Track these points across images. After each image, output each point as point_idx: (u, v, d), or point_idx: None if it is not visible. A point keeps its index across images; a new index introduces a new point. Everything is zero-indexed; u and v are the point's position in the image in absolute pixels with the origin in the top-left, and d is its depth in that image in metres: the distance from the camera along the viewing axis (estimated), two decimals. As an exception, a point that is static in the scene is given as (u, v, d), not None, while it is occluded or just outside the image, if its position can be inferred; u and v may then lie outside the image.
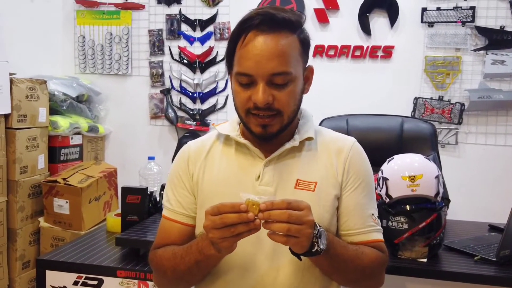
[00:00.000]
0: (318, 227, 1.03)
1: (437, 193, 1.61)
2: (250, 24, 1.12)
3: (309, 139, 1.22)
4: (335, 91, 3.21)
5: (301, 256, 1.06)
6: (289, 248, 1.06)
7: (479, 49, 3.03)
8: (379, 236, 1.23)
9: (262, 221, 0.99)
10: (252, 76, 1.11)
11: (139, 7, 3.49)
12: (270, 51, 1.10)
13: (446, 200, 1.76)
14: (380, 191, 1.67)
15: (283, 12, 1.14)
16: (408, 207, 1.59)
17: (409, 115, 3.12)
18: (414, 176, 1.60)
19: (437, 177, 1.63)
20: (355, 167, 1.22)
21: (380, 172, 1.71)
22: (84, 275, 1.70)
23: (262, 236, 1.15)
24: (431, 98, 3.12)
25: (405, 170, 1.63)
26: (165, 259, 1.19)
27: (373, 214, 1.24)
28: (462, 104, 3.08)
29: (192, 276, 1.17)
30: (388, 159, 1.74)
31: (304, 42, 1.18)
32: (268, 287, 1.17)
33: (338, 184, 1.21)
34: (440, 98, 3.11)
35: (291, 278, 1.17)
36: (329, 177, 1.20)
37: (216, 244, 1.03)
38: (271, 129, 1.15)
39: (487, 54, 3.01)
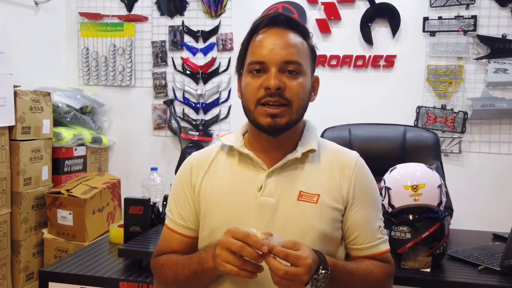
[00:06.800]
0: (320, 271, 1.03)
1: (440, 202, 1.61)
2: (263, 21, 1.18)
3: (312, 151, 1.22)
4: (337, 100, 3.22)
5: None
6: None
7: (481, 58, 3.03)
8: (386, 247, 1.26)
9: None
10: (264, 64, 1.14)
11: (142, 19, 3.52)
12: (283, 41, 1.15)
13: (449, 209, 1.75)
14: (383, 200, 1.67)
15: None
16: (411, 217, 1.59)
17: (412, 124, 3.12)
18: (417, 186, 1.60)
19: (439, 186, 1.62)
20: (361, 184, 1.23)
21: (382, 182, 1.71)
22: (87, 287, 1.69)
23: None
24: (434, 107, 3.12)
25: (408, 179, 1.63)
26: (167, 266, 1.20)
27: (380, 226, 1.25)
28: (465, 113, 3.07)
29: (191, 286, 1.18)
30: (390, 169, 1.74)
31: (313, 51, 1.23)
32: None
33: (342, 199, 1.21)
34: (443, 107, 3.11)
35: None
36: (332, 191, 1.20)
37: (217, 263, 1.04)
38: (280, 121, 1.15)
39: (489, 62, 3.02)
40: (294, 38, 1.17)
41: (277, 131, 1.16)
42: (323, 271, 1.03)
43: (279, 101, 1.14)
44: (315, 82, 1.25)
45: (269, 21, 1.17)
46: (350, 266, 1.17)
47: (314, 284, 1.03)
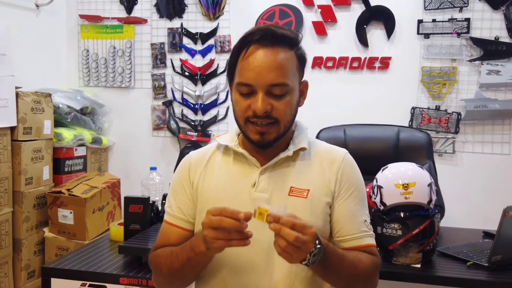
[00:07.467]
0: (318, 246, 1.08)
1: (430, 201, 1.66)
2: (251, 39, 1.20)
3: (303, 149, 1.28)
4: (333, 101, 3.27)
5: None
6: None
7: (475, 60, 3.09)
8: (372, 241, 1.29)
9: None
10: (252, 86, 1.19)
11: (141, 21, 3.57)
12: (269, 63, 1.18)
13: (439, 207, 1.80)
14: (375, 198, 1.72)
15: (282, 29, 1.23)
16: (402, 214, 1.65)
17: (407, 125, 3.17)
18: (407, 184, 1.65)
19: (429, 185, 1.68)
20: (347, 177, 1.28)
21: (374, 180, 1.76)
22: (88, 282, 1.74)
23: (257, 236, 1.20)
24: (428, 108, 3.18)
25: (399, 178, 1.68)
26: (162, 257, 1.25)
27: (365, 220, 1.29)
28: (459, 114, 3.13)
29: (184, 274, 1.22)
30: (382, 168, 1.79)
31: (301, 58, 1.26)
32: (264, 286, 1.22)
33: (330, 193, 1.27)
34: (437, 108, 3.16)
35: (286, 277, 1.22)
36: (321, 185, 1.26)
37: (208, 243, 1.09)
38: (268, 137, 1.21)
39: (482, 64, 3.07)
40: (282, 55, 1.19)
41: (266, 146, 1.23)
42: (318, 246, 1.07)
43: (267, 121, 1.20)
44: (304, 87, 1.29)
45: (258, 39, 1.19)
46: (340, 250, 1.21)
47: (311, 259, 1.06)
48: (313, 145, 1.33)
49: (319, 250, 1.07)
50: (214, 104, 3.52)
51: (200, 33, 3.49)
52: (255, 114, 1.19)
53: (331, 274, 1.19)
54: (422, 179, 1.68)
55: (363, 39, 3.23)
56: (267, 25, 1.23)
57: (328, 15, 3.27)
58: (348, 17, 3.26)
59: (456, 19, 3.10)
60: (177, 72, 3.55)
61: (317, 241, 1.08)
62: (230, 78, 1.27)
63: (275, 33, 1.20)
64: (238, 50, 1.22)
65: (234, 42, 3.44)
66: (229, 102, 3.47)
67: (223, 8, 3.45)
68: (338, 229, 1.27)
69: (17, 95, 2.79)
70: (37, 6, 3.33)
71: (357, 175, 1.32)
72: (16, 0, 3.16)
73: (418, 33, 3.17)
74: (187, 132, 3.52)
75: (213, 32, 3.48)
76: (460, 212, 2.86)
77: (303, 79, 1.29)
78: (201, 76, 3.50)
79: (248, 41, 1.20)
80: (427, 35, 3.15)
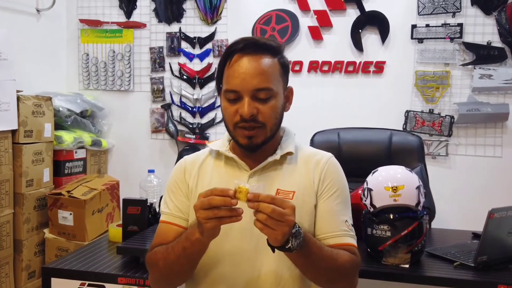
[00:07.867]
0: (297, 228, 1.12)
1: (418, 203, 1.71)
2: (235, 48, 1.27)
3: (290, 153, 1.35)
4: (329, 105, 3.32)
5: (275, 249, 1.15)
6: (267, 239, 1.14)
7: (467, 64, 3.14)
8: (352, 241, 1.32)
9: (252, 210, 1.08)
10: (238, 92, 1.25)
11: (140, 25, 3.62)
12: (253, 70, 1.25)
13: (427, 209, 1.85)
14: (365, 201, 1.77)
15: (264, 39, 1.31)
16: (391, 216, 1.69)
17: (401, 128, 3.22)
18: (396, 187, 1.71)
19: (418, 187, 1.73)
20: (330, 177, 1.34)
21: (365, 183, 1.81)
22: (87, 282, 1.78)
23: (247, 231, 1.24)
24: (422, 111, 3.23)
25: (388, 181, 1.73)
26: (159, 252, 1.28)
27: (347, 221, 1.33)
28: (452, 117, 3.18)
29: (180, 266, 1.24)
30: (372, 171, 1.84)
31: (284, 65, 1.32)
32: (255, 279, 1.27)
33: (314, 193, 1.32)
34: (431, 111, 3.22)
35: (272, 274, 1.27)
36: (307, 187, 1.32)
37: (201, 225, 1.11)
38: (256, 140, 1.28)
39: (475, 68, 3.12)
40: (265, 62, 1.26)
41: (254, 149, 1.30)
42: (298, 228, 1.11)
43: (253, 125, 1.26)
44: (289, 93, 1.36)
45: (242, 48, 1.26)
46: (319, 242, 1.24)
47: (293, 241, 1.10)
48: (300, 149, 1.39)
49: (299, 232, 1.11)
50: (211, 107, 3.57)
51: (198, 37, 3.54)
52: (242, 119, 1.25)
53: (311, 266, 1.21)
54: (411, 182, 1.73)
55: (358, 44, 3.28)
56: (250, 36, 1.30)
57: (323, 20, 3.33)
58: (343, 22, 3.31)
59: (449, 24, 3.15)
60: (176, 76, 3.60)
61: (297, 224, 1.11)
62: (218, 87, 1.33)
63: (258, 42, 1.27)
64: (224, 60, 1.29)
65: (231, 46, 3.49)
66: (226, 105, 3.52)
67: (221, 13, 3.50)
68: (318, 227, 1.31)
69: (18, 98, 2.84)
70: (37, 11, 3.39)
71: (341, 177, 1.37)
72: (17, 5, 3.22)
73: (412, 38, 3.22)
74: (185, 135, 3.57)
75: (211, 37, 3.53)
76: (453, 214, 2.91)
77: (288, 85, 1.35)
78: (199, 80, 3.55)
79: (232, 50, 1.27)
80: (420, 40, 3.20)
